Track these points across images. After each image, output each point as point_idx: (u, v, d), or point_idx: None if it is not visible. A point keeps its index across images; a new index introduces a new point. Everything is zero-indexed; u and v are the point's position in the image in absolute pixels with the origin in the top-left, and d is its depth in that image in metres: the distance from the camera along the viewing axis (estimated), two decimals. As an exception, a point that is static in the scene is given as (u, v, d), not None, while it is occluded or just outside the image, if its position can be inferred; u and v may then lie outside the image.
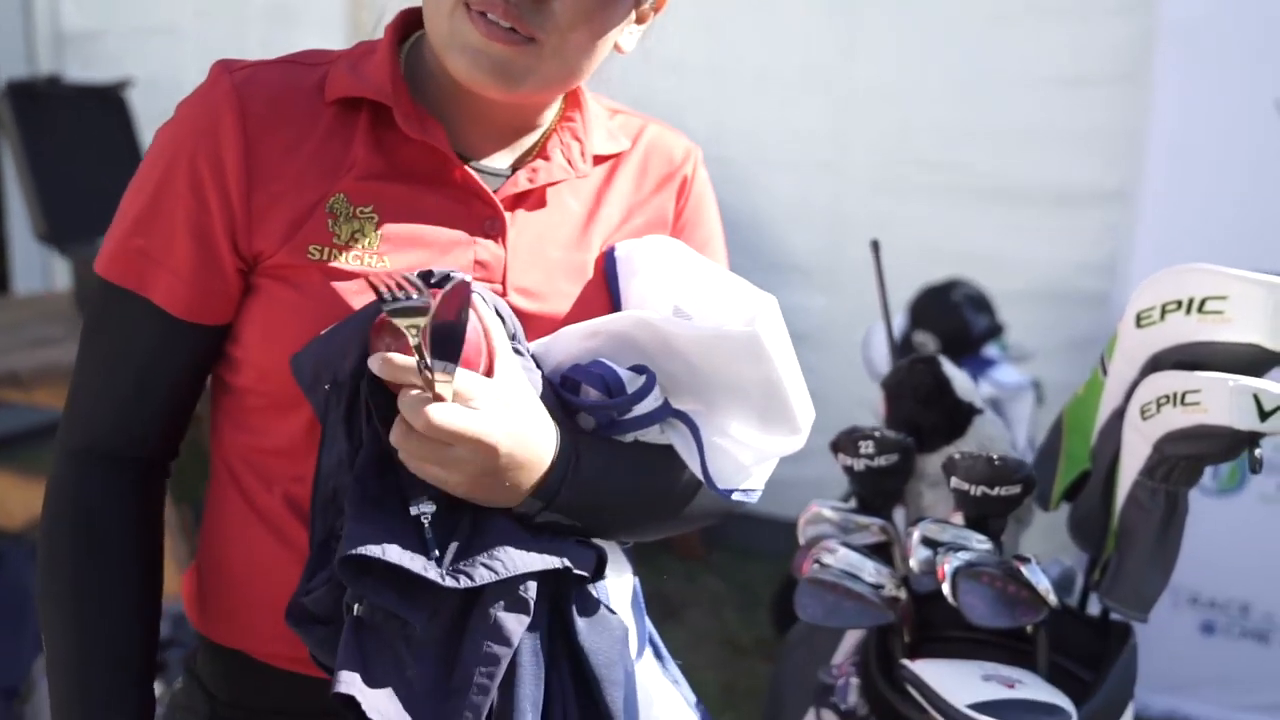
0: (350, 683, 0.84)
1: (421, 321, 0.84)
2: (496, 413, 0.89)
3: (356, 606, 0.86)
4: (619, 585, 1.07)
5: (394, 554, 0.84)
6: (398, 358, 0.85)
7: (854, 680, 1.44)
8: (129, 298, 0.98)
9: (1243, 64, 2.67)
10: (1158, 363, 1.28)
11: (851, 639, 1.55)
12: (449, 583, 0.86)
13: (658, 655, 1.14)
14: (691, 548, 3.67)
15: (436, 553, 0.87)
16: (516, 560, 0.89)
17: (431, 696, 0.87)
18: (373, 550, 0.83)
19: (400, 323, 0.84)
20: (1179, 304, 1.24)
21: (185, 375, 1.02)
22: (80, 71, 4.01)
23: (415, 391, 0.85)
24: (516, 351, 0.96)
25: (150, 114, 3.58)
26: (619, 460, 0.99)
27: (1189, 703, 2.87)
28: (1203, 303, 1.22)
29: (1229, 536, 2.70)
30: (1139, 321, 1.29)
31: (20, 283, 4.52)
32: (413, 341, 0.84)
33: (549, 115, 1.07)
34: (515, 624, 0.89)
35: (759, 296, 0.97)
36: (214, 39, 4.30)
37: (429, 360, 0.84)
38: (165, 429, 1.04)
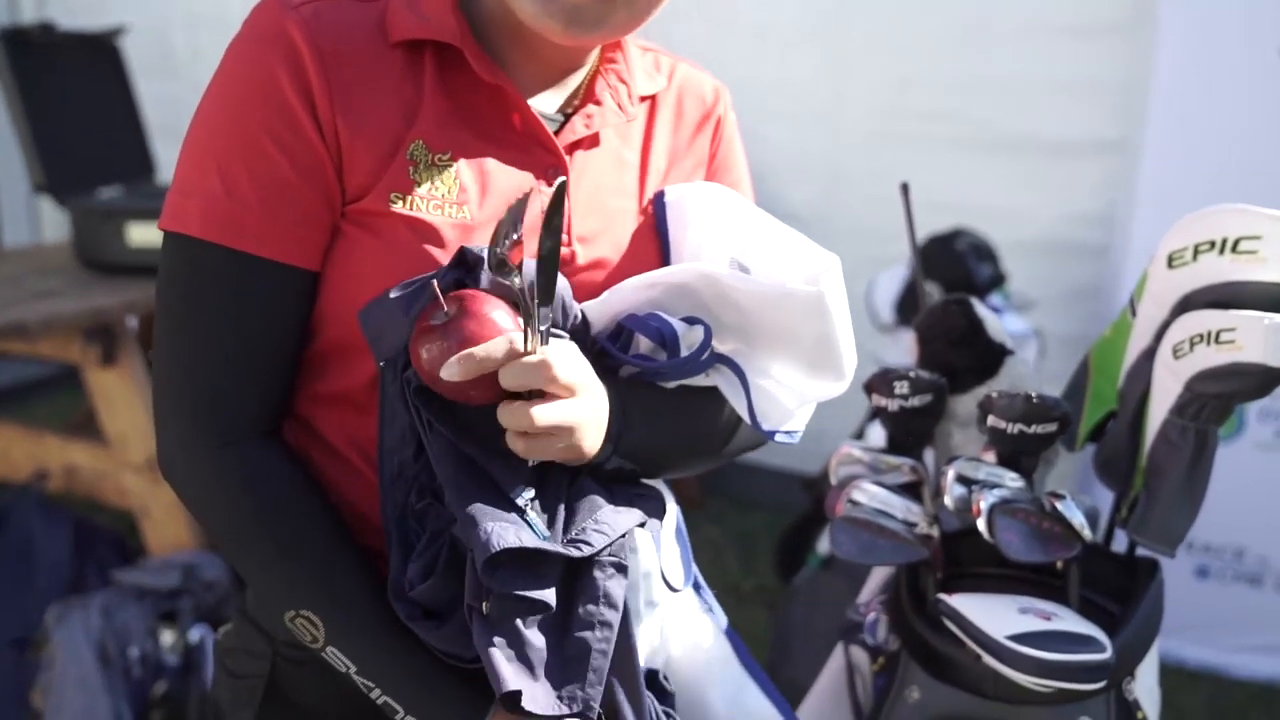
0: (511, 678, 0.86)
1: (518, 279, 0.85)
2: (575, 356, 0.90)
3: (485, 605, 0.87)
4: (666, 517, 1.10)
5: (529, 539, 0.86)
6: (478, 350, 0.84)
7: (883, 617, 1.46)
8: (242, 260, 0.92)
9: (1244, 13, 2.68)
10: (1188, 303, 1.29)
11: (878, 578, 1.57)
12: (574, 553, 0.88)
13: (695, 585, 1.18)
14: (690, 497, 3.70)
15: (548, 532, 0.89)
16: (617, 520, 0.93)
17: (553, 665, 0.89)
18: (511, 542, 0.84)
19: (501, 283, 0.85)
20: (1212, 244, 1.25)
21: (303, 326, 0.98)
22: (63, 19, 3.94)
23: (514, 362, 0.85)
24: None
25: (135, 63, 3.53)
26: (664, 404, 1.01)
27: (1182, 645, 2.94)
28: (1236, 243, 1.23)
29: (1225, 483, 2.70)
30: (1170, 262, 1.30)
31: (8, 236, 4.47)
32: (517, 284, 0.85)
33: (592, 56, 1.07)
34: (618, 588, 0.92)
35: (822, 254, 0.98)
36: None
37: (537, 314, 0.85)
38: (291, 388, 1.00)
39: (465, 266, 0.92)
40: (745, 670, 1.14)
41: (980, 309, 1.44)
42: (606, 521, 0.92)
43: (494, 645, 0.86)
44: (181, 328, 0.94)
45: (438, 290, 0.86)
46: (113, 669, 2.40)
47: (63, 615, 2.45)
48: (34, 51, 3.01)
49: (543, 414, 0.86)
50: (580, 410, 0.88)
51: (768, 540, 3.33)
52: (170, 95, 3.70)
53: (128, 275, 2.78)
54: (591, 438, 0.91)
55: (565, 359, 0.87)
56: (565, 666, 0.89)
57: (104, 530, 2.82)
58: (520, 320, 0.88)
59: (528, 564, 0.87)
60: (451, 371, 0.84)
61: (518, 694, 0.86)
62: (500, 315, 0.87)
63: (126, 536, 2.86)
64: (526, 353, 0.85)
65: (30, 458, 2.86)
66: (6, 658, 2.55)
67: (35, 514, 2.70)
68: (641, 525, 0.97)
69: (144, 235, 2.77)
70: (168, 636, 2.50)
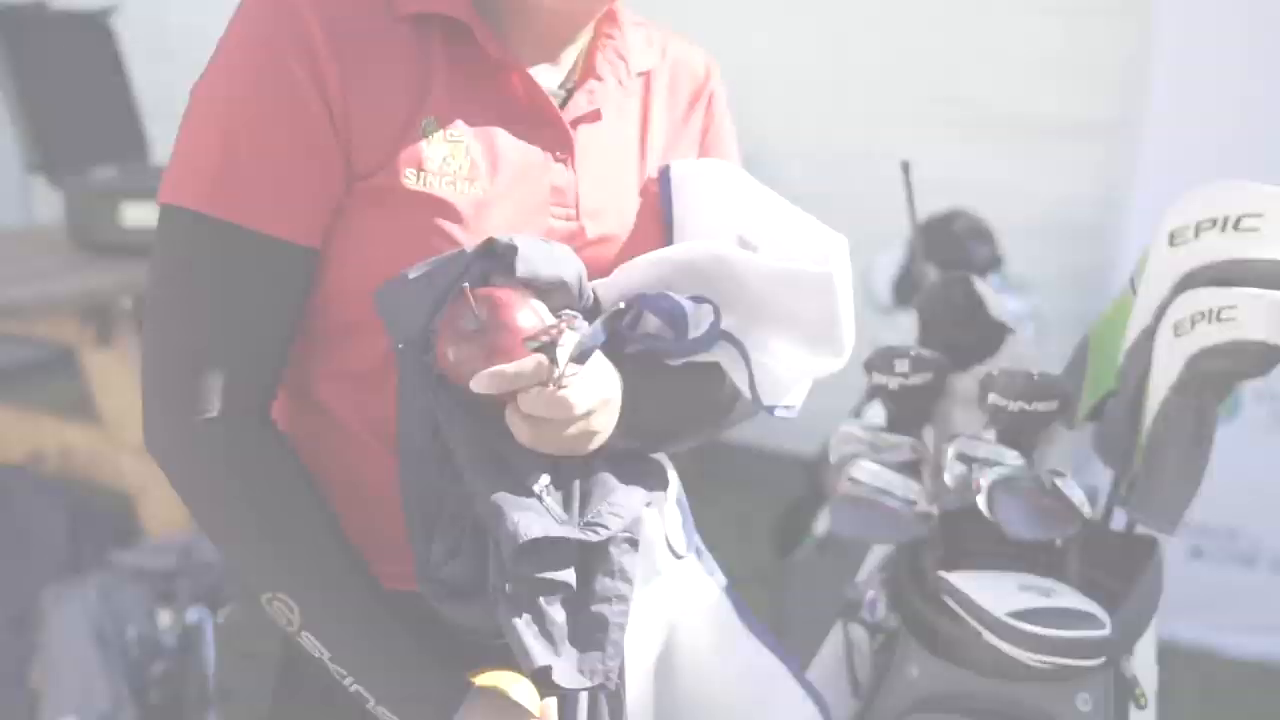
0: (540, 654, 0.88)
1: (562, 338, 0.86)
2: (596, 370, 0.91)
3: (508, 586, 0.88)
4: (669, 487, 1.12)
5: (554, 528, 0.88)
6: (508, 368, 0.85)
7: (882, 595, 1.47)
8: (241, 235, 0.91)
9: (1244, -8, 2.68)
10: (1190, 281, 1.29)
11: (876, 556, 1.58)
12: (592, 537, 0.91)
13: (696, 550, 1.21)
14: (688, 480, 3.69)
15: (565, 515, 0.91)
16: (630, 502, 0.95)
17: (572, 638, 0.92)
18: (537, 533, 0.86)
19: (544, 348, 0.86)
20: (1214, 221, 1.25)
21: (300, 305, 0.97)
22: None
23: (535, 389, 0.86)
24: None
25: (129, 44, 3.51)
26: (669, 382, 1.02)
27: (1176, 626, 2.94)
28: (1238, 220, 1.23)
29: (1220, 464, 2.70)
30: (1172, 240, 1.30)
31: (1, 215, 4.44)
32: (553, 353, 0.86)
33: (587, 30, 1.06)
34: (632, 562, 0.95)
35: (829, 235, 0.99)
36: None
37: (563, 366, 0.86)
38: (283, 367, 0.99)
39: (493, 257, 0.91)
40: (748, 628, 1.16)
41: (981, 287, 1.44)
42: (620, 504, 0.94)
43: (521, 623, 0.88)
44: (175, 303, 0.93)
45: (469, 293, 0.87)
46: (110, 649, 2.40)
47: (60, 596, 2.45)
48: (27, 30, 2.99)
49: (550, 436, 0.89)
50: (591, 425, 0.90)
51: (765, 522, 3.33)
52: (165, 76, 3.66)
53: (122, 256, 2.77)
54: (597, 442, 0.93)
55: (585, 390, 0.88)
56: (584, 639, 0.92)
57: (100, 512, 2.82)
58: (548, 318, 0.90)
59: (548, 547, 0.89)
60: (480, 384, 0.86)
61: (547, 669, 0.88)
62: (528, 318, 0.88)
63: (123, 518, 2.86)
64: (551, 381, 0.86)
65: (26, 439, 2.85)
66: (4, 638, 2.55)
67: (32, 495, 2.69)
68: (649, 505, 0.99)
69: (138, 215, 2.76)
70: (165, 617, 2.49)
